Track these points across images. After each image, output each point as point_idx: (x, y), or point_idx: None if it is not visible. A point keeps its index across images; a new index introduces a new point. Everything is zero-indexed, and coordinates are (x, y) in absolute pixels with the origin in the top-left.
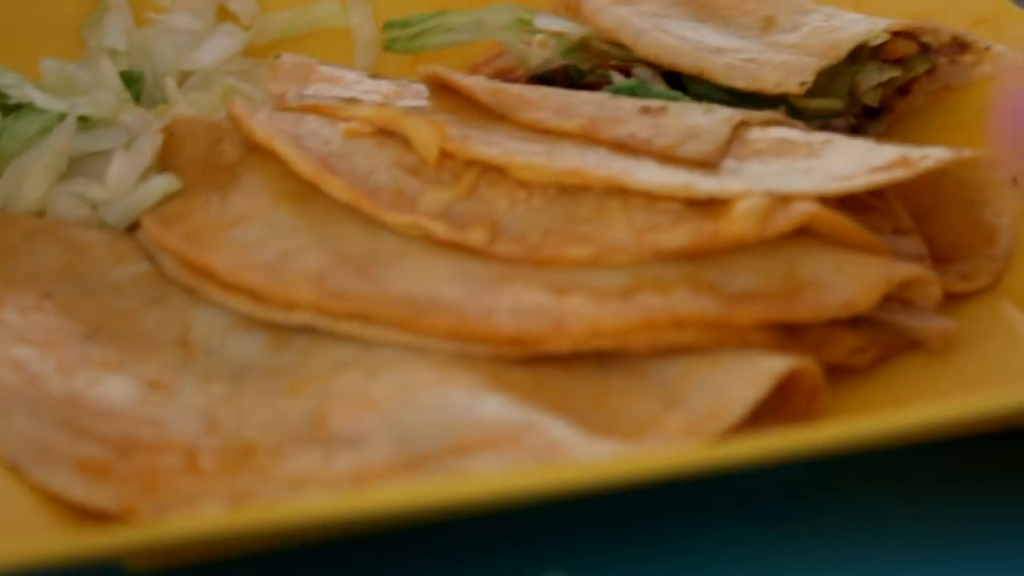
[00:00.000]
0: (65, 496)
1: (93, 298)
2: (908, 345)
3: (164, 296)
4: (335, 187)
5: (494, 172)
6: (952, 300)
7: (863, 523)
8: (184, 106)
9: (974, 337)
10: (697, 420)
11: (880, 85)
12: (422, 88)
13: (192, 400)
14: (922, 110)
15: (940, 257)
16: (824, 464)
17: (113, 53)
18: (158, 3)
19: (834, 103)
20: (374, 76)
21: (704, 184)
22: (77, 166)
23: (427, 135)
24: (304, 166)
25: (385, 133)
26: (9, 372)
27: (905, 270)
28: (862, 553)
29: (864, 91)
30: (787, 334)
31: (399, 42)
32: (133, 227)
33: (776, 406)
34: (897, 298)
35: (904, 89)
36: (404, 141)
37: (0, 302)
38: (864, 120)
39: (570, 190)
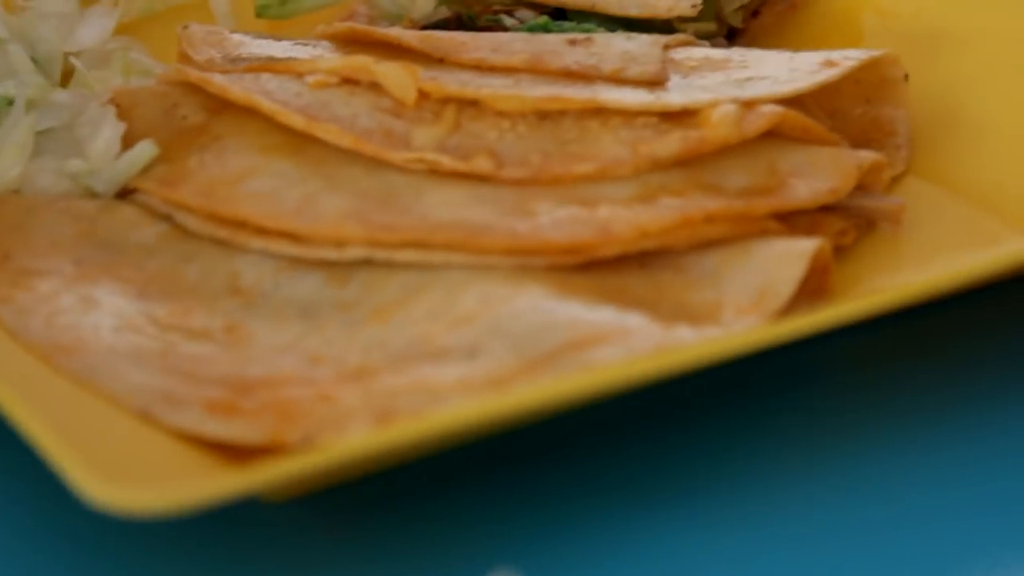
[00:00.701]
0: (205, 435)
1: (125, 259)
2: (868, 225)
3: (196, 251)
4: (332, 133)
5: (470, 107)
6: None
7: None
8: (92, 83)
9: (912, 214)
10: (755, 299)
11: (742, 7)
12: (328, 45)
13: (275, 339)
14: (771, 28)
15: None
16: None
17: None
18: None
19: (710, 26)
20: (277, 39)
21: (674, 97)
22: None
23: (402, 77)
24: (294, 118)
25: (351, 82)
26: (93, 334)
27: (868, 156)
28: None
29: (728, 13)
30: (785, 223)
31: (270, 9)
32: (124, 193)
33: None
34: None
35: (755, 12)
36: (373, 87)
37: (39, 273)
38: (722, 44)
39: (549, 116)
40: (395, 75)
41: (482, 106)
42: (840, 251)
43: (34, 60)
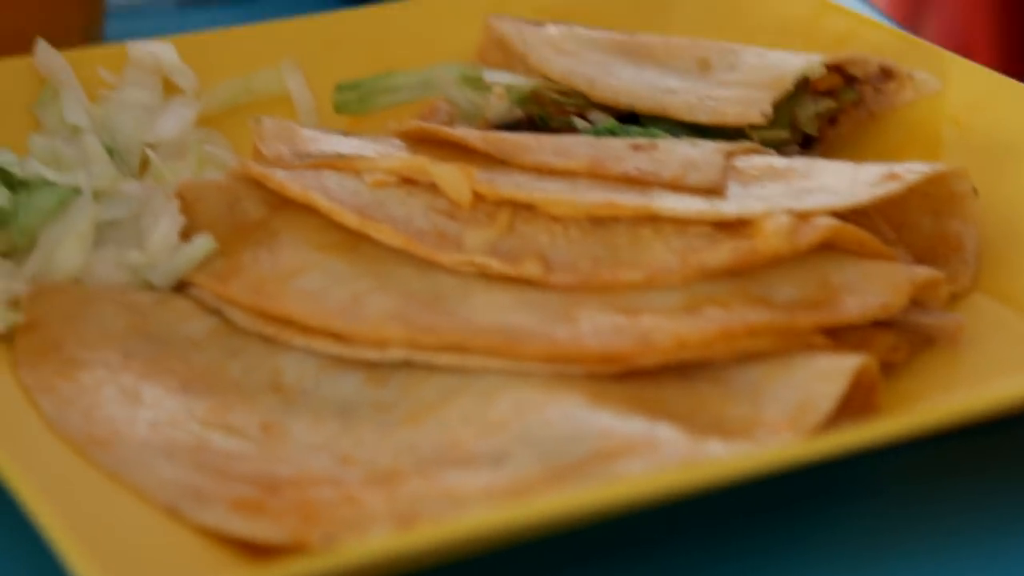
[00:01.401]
0: (229, 533)
1: (173, 353)
2: (925, 342)
3: (242, 346)
4: (384, 233)
5: (525, 210)
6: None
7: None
8: (167, 175)
9: (973, 332)
10: (792, 415)
11: (817, 115)
12: (398, 143)
13: (310, 438)
14: (848, 138)
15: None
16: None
17: (75, 129)
18: (106, 80)
19: (782, 133)
20: (348, 135)
21: (729, 207)
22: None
23: (458, 179)
24: (349, 217)
25: (410, 182)
26: (129, 426)
27: (923, 272)
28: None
29: (803, 121)
30: (833, 338)
31: (349, 104)
32: (175, 288)
33: (842, 403)
34: (911, 299)
35: (832, 119)
36: (431, 188)
37: (83, 364)
38: (796, 152)
39: (602, 222)
40: (451, 176)
41: (536, 209)
42: (894, 367)
43: (112, 150)
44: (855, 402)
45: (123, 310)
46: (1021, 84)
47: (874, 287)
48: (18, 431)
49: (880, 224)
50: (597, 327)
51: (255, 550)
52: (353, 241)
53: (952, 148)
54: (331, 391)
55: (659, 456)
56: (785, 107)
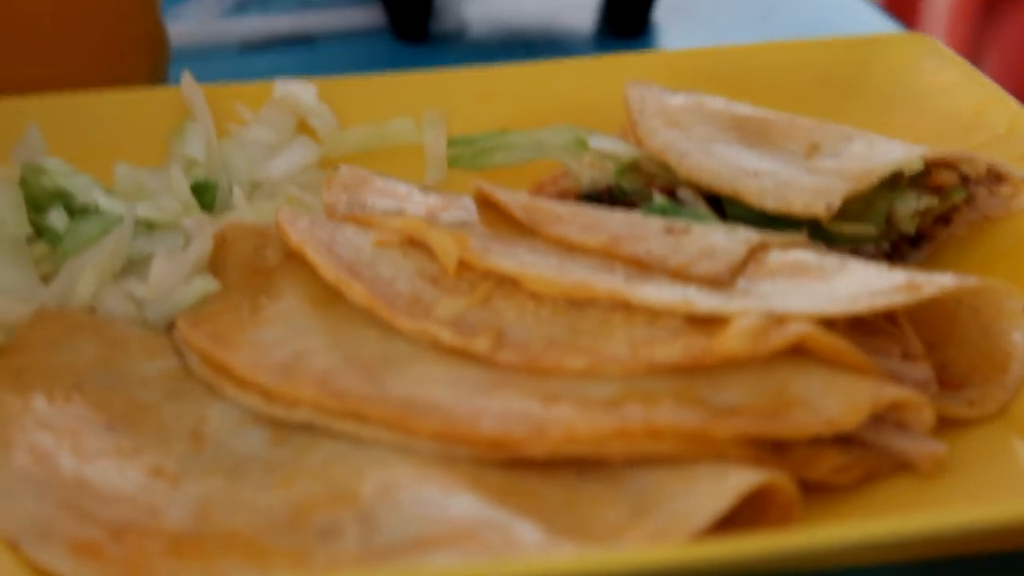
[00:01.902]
0: (56, 573)
1: (119, 390)
2: (899, 466)
3: (185, 391)
4: (355, 292)
5: (509, 284)
6: (960, 425)
7: None
8: (248, 213)
9: (972, 462)
10: (661, 528)
11: (918, 213)
12: (469, 202)
13: (191, 489)
14: (964, 240)
15: (953, 382)
16: None
17: (191, 162)
18: (239, 116)
19: (867, 228)
20: (425, 190)
21: (704, 302)
22: (136, 267)
23: (448, 245)
24: (328, 271)
25: (412, 243)
26: (24, 455)
27: (893, 392)
28: None
29: (901, 218)
30: (773, 449)
31: (463, 159)
32: (172, 325)
33: (752, 518)
34: (891, 420)
35: (946, 218)
36: (430, 251)
37: (32, 389)
38: (906, 248)
39: (578, 303)
40: (442, 242)
41: (519, 284)
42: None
43: (208, 185)
44: (770, 518)
45: (101, 343)
46: None
47: (829, 401)
48: None
49: (908, 335)
50: (504, 411)
51: None
52: (334, 296)
53: None
54: (238, 445)
55: (473, 549)
56: (882, 202)
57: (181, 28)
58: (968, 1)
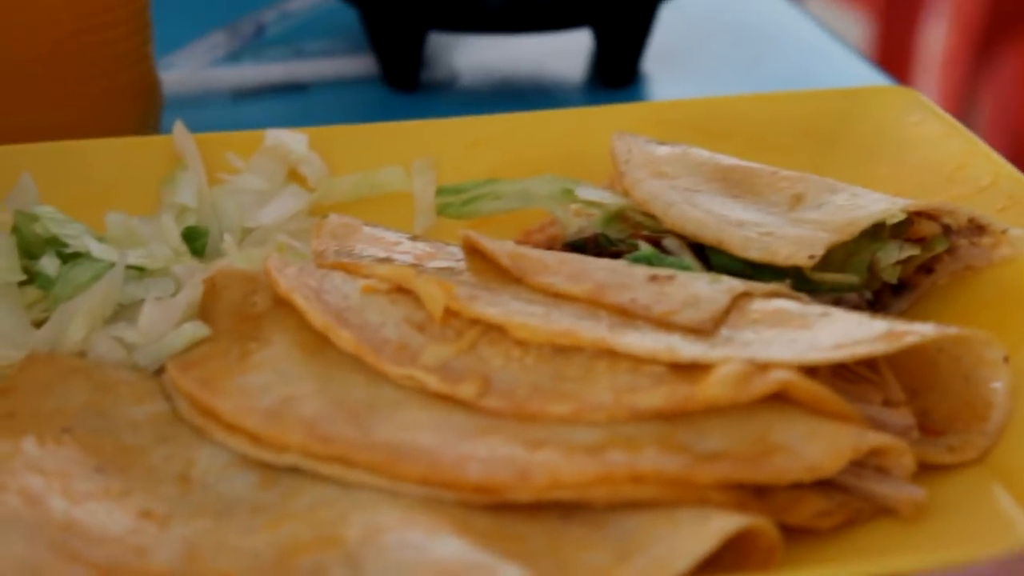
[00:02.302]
0: None
1: (109, 433)
2: (880, 510)
3: (174, 434)
4: (343, 339)
5: (495, 331)
6: (941, 471)
7: None
8: (238, 260)
9: (952, 507)
10: (644, 571)
11: (900, 263)
12: (457, 251)
13: (179, 531)
14: (946, 289)
15: (934, 429)
16: None
17: (183, 209)
18: (231, 165)
19: (850, 278)
20: (413, 238)
21: (687, 350)
22: (127, 312)
23: (435, 293)
24: (316, 318)
25: (400, 291)
26: (15, 497)
27: (874, 439)
28: None
29: (883, 268)
30: (755, 494)
31: (451, 207)
32: (162, 369)
33: (735, 562)
34: (872, 466)
35: (928, 268)
36: (417, 299)
37: (23, 433)
38: (889, 297)
39: (563, 350)
40: (429, 290)
41: (505, 331)
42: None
43: (199, 231)
44: (753, 562)
45: (92, 387)
46: None
47: (811, 448)
48: None
49: (890, 382)
50: (490, 456)
51: None
52: (323, 342)
53: None
54: (225, 488)
55: None
56: (864, 252)
57: (173, 76)
58: (960, 49)
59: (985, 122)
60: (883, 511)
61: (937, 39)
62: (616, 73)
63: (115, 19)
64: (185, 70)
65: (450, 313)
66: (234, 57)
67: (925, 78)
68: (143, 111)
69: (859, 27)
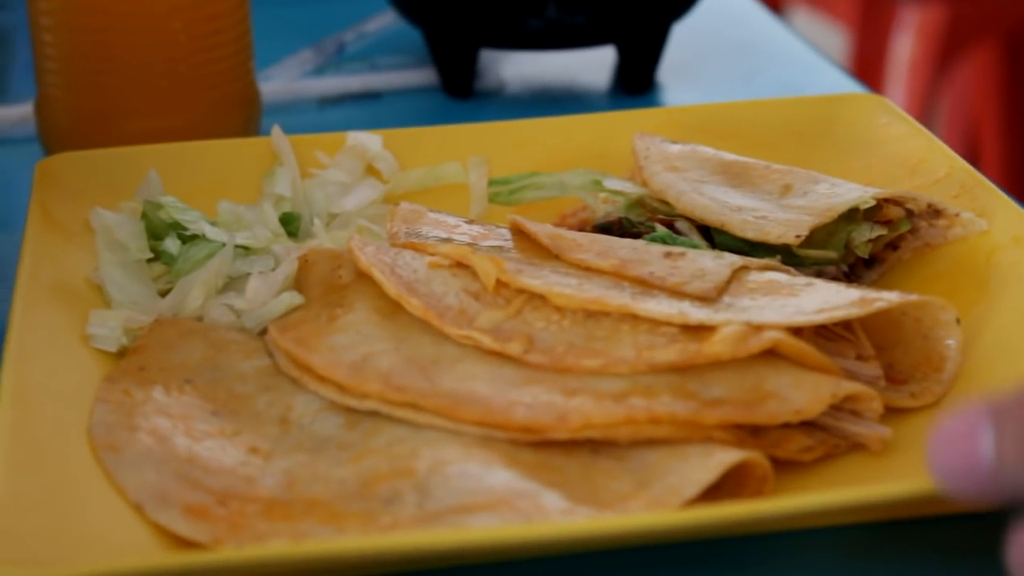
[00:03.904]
0: (174, 531)
1: (222, 384)
2: (853, 447)
3: (275, 384)
4: (413, 306)
5: (538, 299)
6: (904, 413)
7: None
8: (326, 240)
9: (913, 444)
10: (659, 497)
11: (871, 241)
12: (506, 232)
13: (280, 464)
14: (909, 263)
15: (898, 379)
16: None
17: (280, 198)
18: (319, 161)
19: (829, 254)
20: (470, 222)
21: (696, 314)
22: (235, 284)
23: (488, 268)
24: (390, 288)
25: (460, 266)
26: (147, 436)
27: (848, 387)
28: None
29: (857, 245)
30: (751, 433)
31: (500, 196)
32: (265, 330)
33: (733, 490)
34: (848, 409)
35: (894, 245)
36: (473, 272)
37: (152, 383)
38: (862, 269)
39: (593, 315)
40: (483, 265)
41: (546, 299)
42: (821, 463)
43: (294, 217)
44: (748, 491)
45: (208, 345)
46: None
47: (797, 395)
48: (59, 432)
49: (862, 340)
50: (534, 402)
51: (192, 545)
52: (396, 308)
53: (1001, 276)
54: (318, 428)
55: (507, 514)
56: (841, 232)
57: (270, 87)
58: (924, 61)
59: (943, 123)
60: (856, 447)
61: (905, 50)
62: (636, 82)
63: (223, 40)
64: (279, 82)
65: (500, 284)
66: (320, 71)
67: (894, 84)
68: (246, 117)
69: (839, 38)
